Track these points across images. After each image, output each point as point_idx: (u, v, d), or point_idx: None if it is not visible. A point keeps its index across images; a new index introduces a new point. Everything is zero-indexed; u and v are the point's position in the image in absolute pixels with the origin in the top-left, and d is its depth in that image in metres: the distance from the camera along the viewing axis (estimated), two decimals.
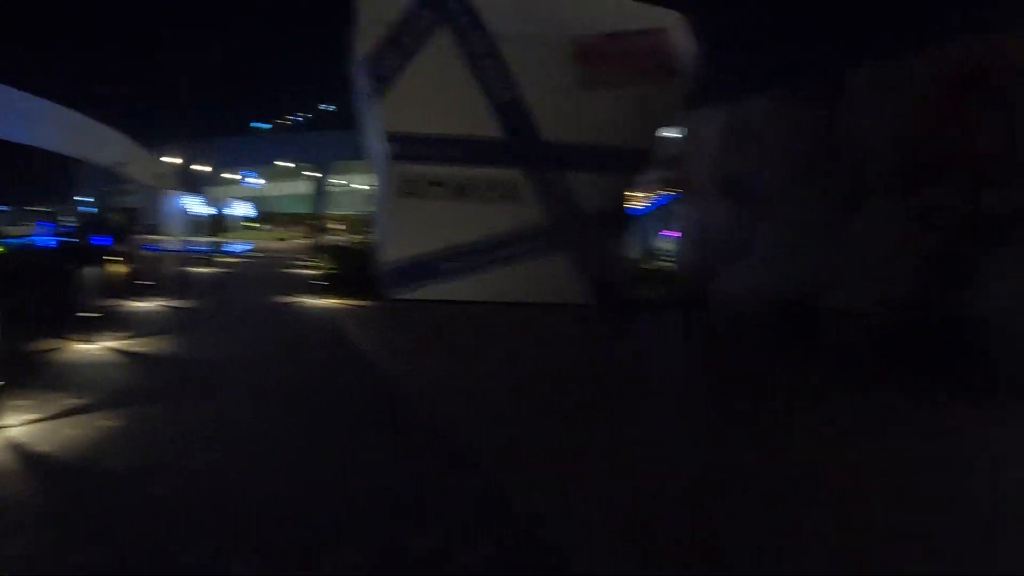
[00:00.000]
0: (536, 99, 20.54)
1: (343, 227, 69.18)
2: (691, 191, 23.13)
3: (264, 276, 27.31)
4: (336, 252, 29.95)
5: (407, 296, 20.14)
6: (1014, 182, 12.43)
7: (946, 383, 11.78)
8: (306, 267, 30.60)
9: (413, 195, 20.41)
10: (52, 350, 11.49)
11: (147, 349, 12.02)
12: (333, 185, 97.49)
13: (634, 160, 22.05)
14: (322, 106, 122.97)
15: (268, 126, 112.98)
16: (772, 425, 9.51)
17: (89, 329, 12.42)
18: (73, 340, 12.18)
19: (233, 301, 19.52)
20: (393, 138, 20.12)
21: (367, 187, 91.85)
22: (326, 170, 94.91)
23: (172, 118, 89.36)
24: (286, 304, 18.75)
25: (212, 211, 72.26)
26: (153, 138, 70.48)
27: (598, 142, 20.97)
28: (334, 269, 24.19)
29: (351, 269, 23.91)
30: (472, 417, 8.85)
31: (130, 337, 12.89)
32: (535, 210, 21.10)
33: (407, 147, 20.20)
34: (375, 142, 22.32)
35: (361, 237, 43.45)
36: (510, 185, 20.89)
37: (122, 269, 25.45)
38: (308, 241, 51.56)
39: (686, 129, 23.84)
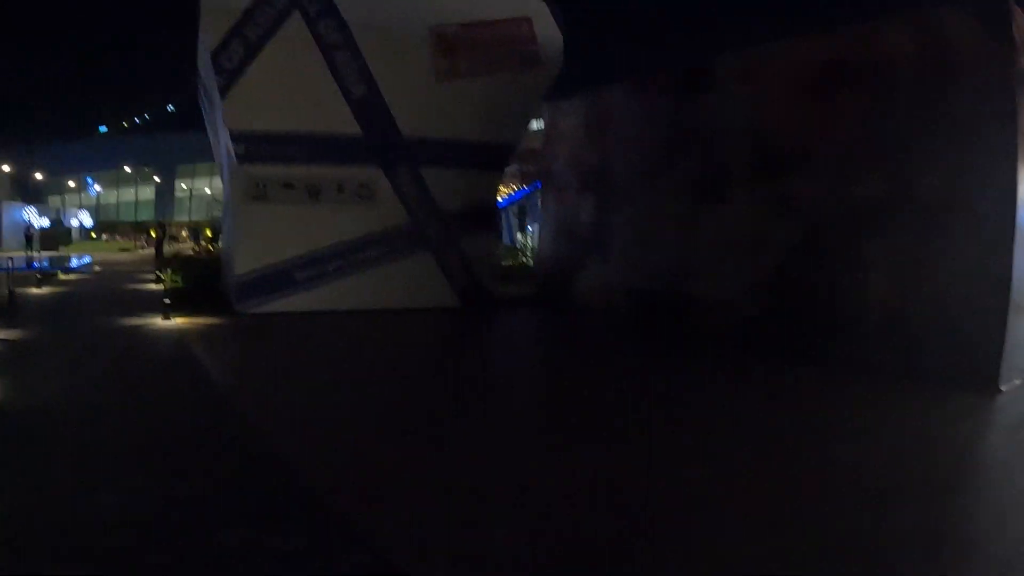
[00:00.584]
0: (393, 92, 19.32)
1: (189, 235, 66.24)
2: (550, 184, 22.33)
3: (105, 294, 24.92)
4: (183, 264, 28.02)
5: (262, 310, 18.62)
6: (875, 172, 12.70)
7: (802, 364, 12.66)
8: (151, 281, 28.55)
9: (262, 199, 18.85)
10: None
11: None
12: (178, 190, 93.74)
13: (497, 155, 21.14)
14: (168, 107, 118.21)
15: (104, 128, 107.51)
16: (635, 416, 9.75)
17: None
18: None
19: (68, 328, 17.37)
20: (239, 137, 18.55)
21: (212, 191, 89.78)
22: (171, 174, 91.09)
23: (4, 122, 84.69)
24: (128, 328, 16.82)
25: (46, 222, 68.73)
26: None
27: (459, 137, 20.01)
28: (181, 283, 22.40)
29: (200, 283, 22.24)
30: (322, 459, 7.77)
31: None
32: (395, 210, 19.91)
33: (255, 146, 18.65)
34: (221, 142, 20.78)
35: (209, 246, 41.48)
36: (367, 184, 19.63)
37: None
38: (153, 251, 49.02)
39: (544, 120, 23.00)
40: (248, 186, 18.80)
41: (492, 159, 21.03)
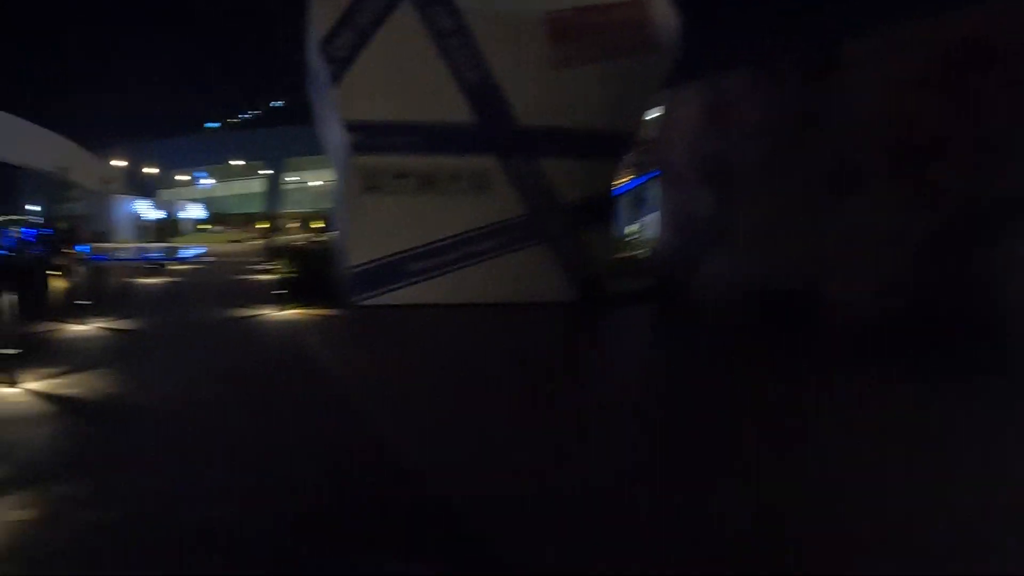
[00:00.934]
0: (508, 80, 18.71)
1: (299, 226, 67.07)
2: (668, 174, 21.39)
3: (218, 284, 25.23)
4: (294, 255, 28.01)
5: (375, 302, 18.29)
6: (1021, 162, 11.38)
7: (955, 373, 10.51)
8: (263, 272, 28.65)
9: (376, 190, 18.49)
10: None
11: (71, 391, 9.93)
12: (287, 183, 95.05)
13: (615, 143, 20.37)
14: (274, 103, 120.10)
15: (217, 124, 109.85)
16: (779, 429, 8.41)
17: (10, 364, 10.30)
18: None
19: (183, 318, 17.46)
20: (352, 127, 18.23)
21: (322, 183, 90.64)
22: (279, 167, 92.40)
23: (118, 119, 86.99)
24: (244, 319, 16.72)
25: (162, 215, 70.15)
26: (98, 141, 68.49)
27: (575, 125, 19.22)
28: (293, 274, 22.27)
29: (311, 274, 22.09)
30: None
31: (49, 377, 10.72)
32: (510, 201, 19.25)
33: (368, 137, 18.31)
34: (333, 133, 20.52)
35: (320, 237, 41.63)
36: (482, 175, 19.06)
37: (60, 284, 23.61)
38: (263, 243, 49.49)
39: (662, 108, 22.14)
40: (361, 177, 18.47)
41: (609, 148, 20.27)
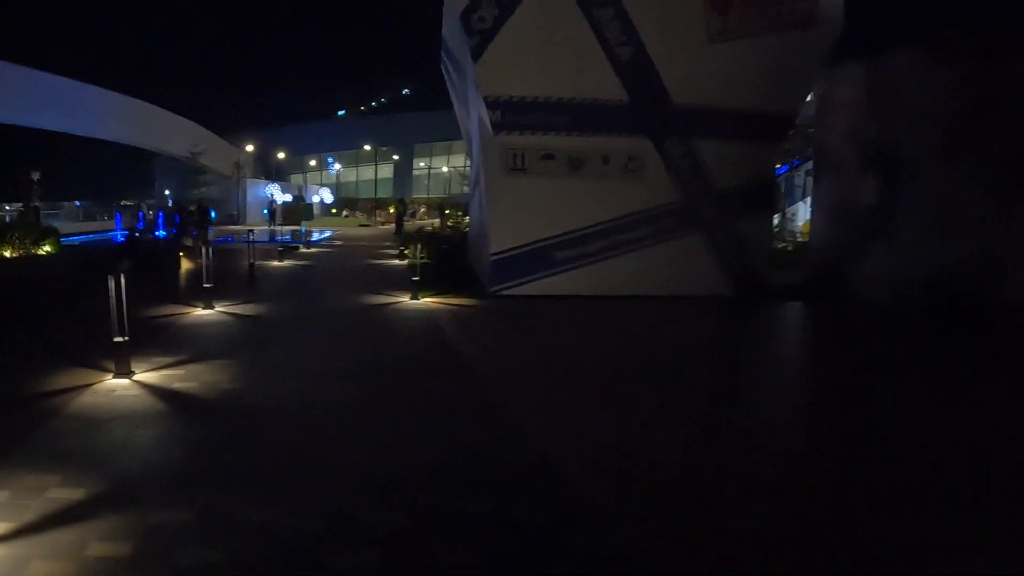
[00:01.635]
0: (662, 54, 16.94)
1: (427, 211, 66.27)
2: (824, 160, 19.39)
3: (347, 269, 24.23)
4: (427, 241, 26.89)
5: (516, 292, 16.92)
6: None
7: None
8: (393, 257, 27.67)
9: (520, 172, 17.02)
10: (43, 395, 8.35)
11: (185, 385, 8.82)
12: (416, 168, 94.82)
13: (774, 125, 18.40)
14: (403, 91, 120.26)
15: (342, 112, 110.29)
16: None
17: (118, 353, 9.21)
18: (88, 373, 9.21)
19: (312, 304, 16.48)
20: (495, 104, 16.79)
21: (449, 169, 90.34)
22: (408, 153, 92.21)
23: (250, 106, 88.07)
24: (375, 307, 15.58)
25: (290, 198, 70.51)
26: (230, 126, 69.39)
27: (734, 105, 17.35)
28: (425, 260, 21.07)
29: (446, 261, 20.88)
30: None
31: (164, 367, 9.70)
32: (664, 186, 17.51)
33: (511, 114, 16.85)
34: (472, 112, 19.23)
35: (450, 222, 40.51)
36: (635, 157, 17.38)
37: (187, 266, 23.00)
38: (392, 227, 48.78)
39: (818, 89, 20.07)
40: (504, 158, 17.03)
41: (769, 130, 18.27)
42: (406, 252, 26.48)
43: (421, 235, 30.03)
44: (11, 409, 7.83)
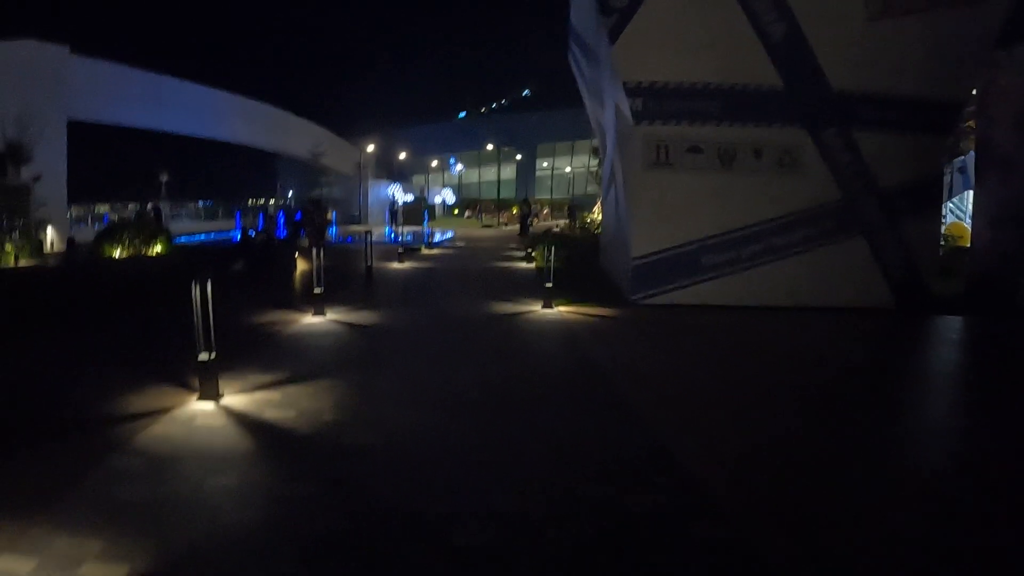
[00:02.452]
0: (819, 34, 15.03)
1: (550, 212, 64.67)
2: (989, 155, 16.86)
3: (471, 272, 22.82)
4: (556, 243, 25.32)
5: (659, 301, 15.23)
6: None
7: None
8: (519, 259, 26.18)
9: (664, 166, 15.29)
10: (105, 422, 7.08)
11: (277, 414, 7.41)
12: (539, 169, 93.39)
13: (942, 115, 16.08)
14: (524, 93, 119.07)
15: (463, 115, 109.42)
16: None
17: (204, 373, 7.81)
18: (171, 393, 7.99)
19: (432, 312, 15.06)
20: (635, 90, 15.14)
21: (572, 169, 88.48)
22: (531, 153, 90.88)
23: (371, 107, 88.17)
24: (503, 317, 14.02)
25: (412, 198, 69.91)
26: (351, 127, 69.10)
27: (897, 91, 15.29)
28: (555, 264, 19.48)
29: (578, 266, 19.25)
30: None
31: (257, 388, 8.36)
32: (823, 183, 15.52)
33: (653, 101, 15.19)
34: (607, 103, 17.71)
35: (580, 224, 38.72)
36: (790, 150, 15.45)
37: (302, 267, 21.89)
38: (516, 228, 47.37)
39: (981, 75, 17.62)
40: (646, 151, 15.32)
41: (935, 120, 15.95)
42: (533, 254, 24.96)
43: (551, 237, 28.43)
44: (72, 436, 6.68)
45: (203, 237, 41.79)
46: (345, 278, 19.64)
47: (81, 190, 53.15)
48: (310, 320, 13.15)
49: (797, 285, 15.23)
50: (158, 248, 22.42)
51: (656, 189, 15.26)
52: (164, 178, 64.28)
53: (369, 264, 20.17)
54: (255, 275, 17.55)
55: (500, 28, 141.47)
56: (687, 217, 15.20)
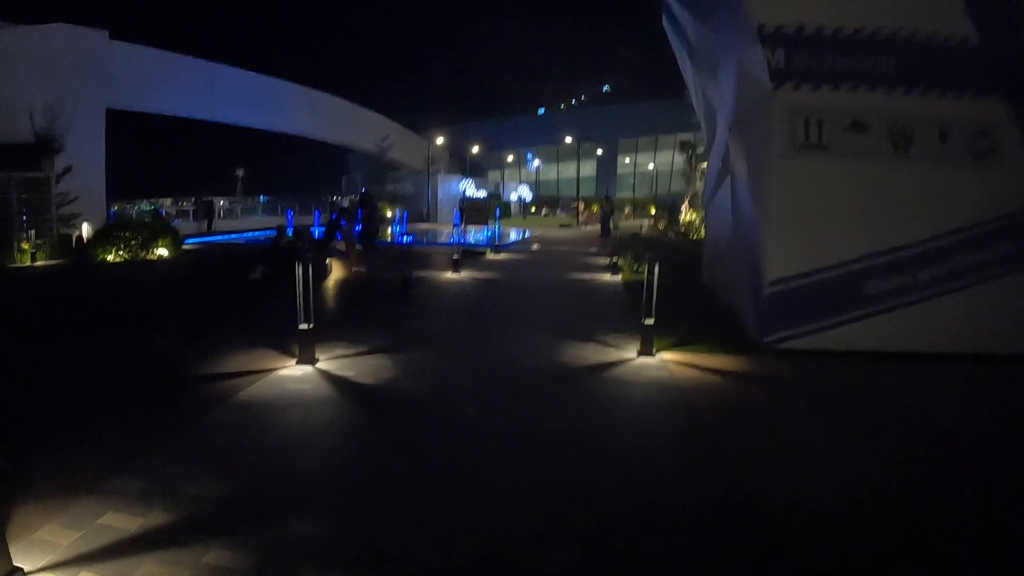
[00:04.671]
0: None
1: (631, 211, 59.66)
2: None
3: (542, 289, 18.14)
4: (648, 252, 20.93)
5: (803, 344, 10.67)
6: None
7: None
8: (602, 269, 21.66)
9: (816, 150, 10.74)
10: None
11: None
12: (620, 165, 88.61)
13: None
14: (604, 88, 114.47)
15: (541, 110, 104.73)
16: None
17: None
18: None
19: (479, 359, 10.38)
20: (776, 38, 10.72)
21: (655, 165, 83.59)
22: (612, 149, 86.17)
23: (444, 100, 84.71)
24: (583, 373, 9.42)
25: (484, 194, 65.94)
26: (422, 120, 65.56)
27: None
28: (644, 276, 15.13)
29: (678, 282, 14.85)
30: None
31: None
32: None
33: (803, 55, 10.76)
34: (723, 67, 13.33)
35: (673, 226, 33.76)
36: (987, 131, 10.83)
37: (337, 275, 18.09)
38: (596, 228, 42.97)
39: None
40: (790, 127, 10.77)
41: None
42: (619, 263, 20.49)
43: (638, 242, 23.85)
44: None
45: (245, 236, 38.77)
46: (376, 294, 15.80)
47: (136, 183, 51.29)
48: (287, 373, 8.96)
49: (996, 324, 10.63)
50: (162, 251, 18.94)
51: (803, 183, 10.68)
52: (240, 173, 61.95)
53: (408, 274, 16.02)
54: (271, 286, 13.53)
55: (580, 18, 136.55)
56: (847, 224, 10.65)
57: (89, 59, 30.76)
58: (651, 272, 10.13)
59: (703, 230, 22.65)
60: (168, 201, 54.06)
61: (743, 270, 12.17)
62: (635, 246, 21.76)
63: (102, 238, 18.68)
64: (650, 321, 10.05)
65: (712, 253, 16.23)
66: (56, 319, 12.86)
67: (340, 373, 8.99)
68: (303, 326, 9.30)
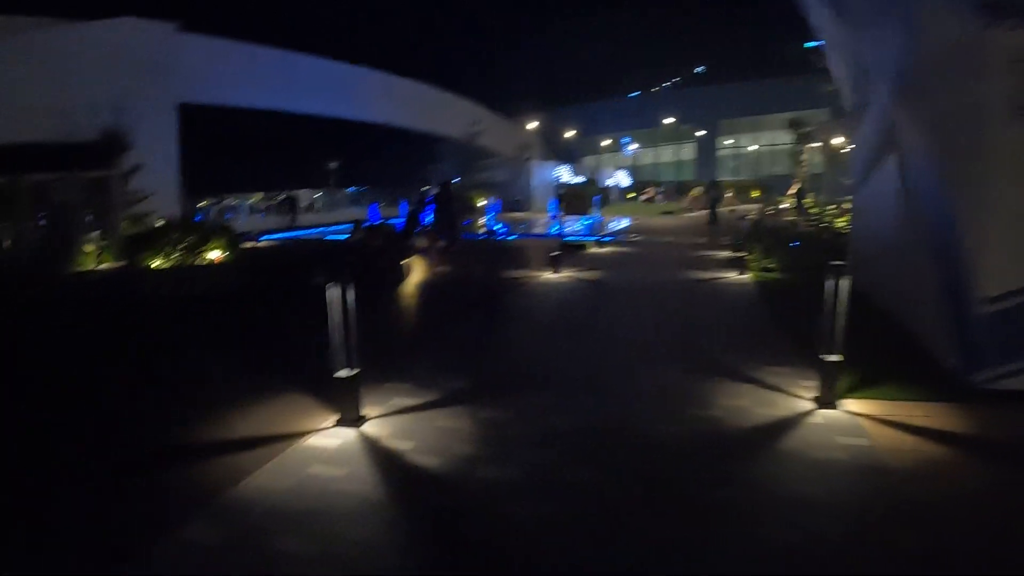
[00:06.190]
0: None
1: (733, 195, 55.92)
2: None
3: (663, 288, 15.38)
4: (781, 242, 18.04)
5: None
6: None
7: None
8: (723, 265, 18.80)
9: None
10: None
11: None
12: (719, 147, 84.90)
13: None
14: (696, 69, 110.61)
15: (635, 94, 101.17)
16: None
17: None
18: None
19: (615, 394, 7.91)
20: None
21: (759, 147, 79.88)
22: (711, 131, 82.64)
23: (535, 85, 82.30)
24: (756, 431, 6.72)
25: (582, 181, 63.22)
26: (513, 106, 63.15)
27: None
28: (775, 275, 12.42)
29: (814, 283, 12.09)
30: None
31: None
32: None
33: None
34: (893, 8, 10.27)
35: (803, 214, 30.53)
36: None
37: (416, 278, 15.83)
38: (699, 215, 40.05)
39: None
40: (1012, 81, 7.78)
41: None
42: (746, 257, 17.54)
43: (763, 232, 20.81)
44: None
45: (328, 230, 38.59)
46: (456, 305, 13.57)
47: (219, 179, 50.61)
48: (317, 442, 6.46)
49: None
50: (214, 254, 16.98)
51: None
52: (333, 165, 60.78)
53: (496, 278, 13.49)
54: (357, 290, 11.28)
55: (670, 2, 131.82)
56: None
57: (157, 53, 29.79)
58: (835, 288, 7.20)
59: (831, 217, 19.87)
60: (259, 196, 53.32)
61: (928, 280, 9.17)
62: (760, 237, 18.85)
63: (148, 242, 16.82)
64: (835, 358, 7.20)
65: (865, 251, 13.28)
66: (47, 345, 11.02)
67: (393, 445, 6.38)
68: (342, 373, 6.80)
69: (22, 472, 6.03)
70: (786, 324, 10.82)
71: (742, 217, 27.78)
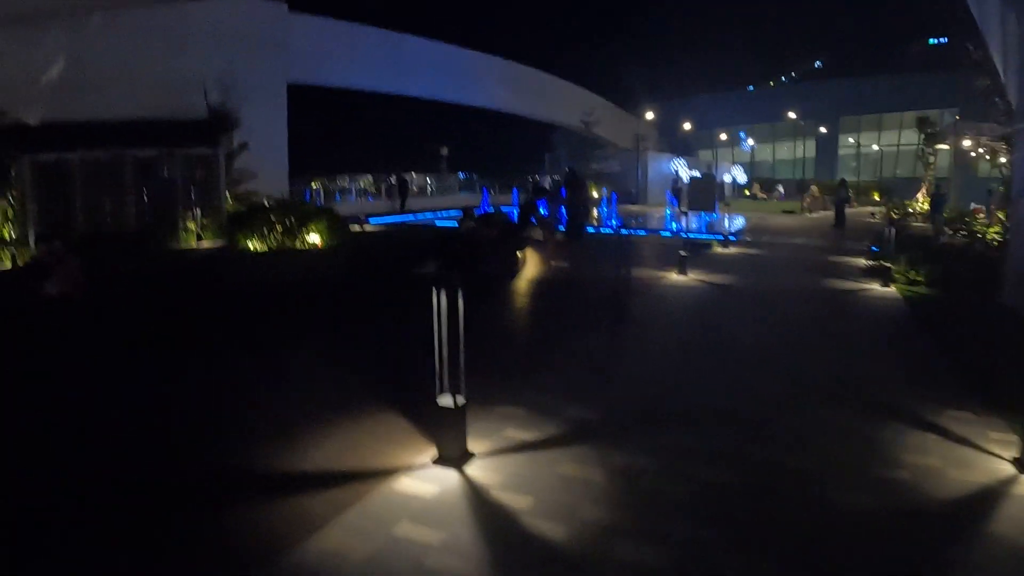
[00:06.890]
0: None
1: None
2: None
3: (801, 298, 13.76)
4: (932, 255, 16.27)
5: None
6: None
7: None
8: (859, 274, 16.99)
9: None
10: None
11: None
12: (842, 145, 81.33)
13: None
14: (815, 64, 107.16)
15: (751, 88, 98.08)
16: None
17: None
18: None
19: (766, 438, 6.40)
20: None
21: (880, 147, 76.07)
22: (833, 127, 79.26)
23: (651, 75, 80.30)
24: (949, 505, 5.15)
25: (698, 176, 61.46)
26: (628, 96, 61.60)
27: None
28: (922, 290, 10.91)
29: (965, 301, 10.59)
30: None
31: None
32: None
33: None
34: None
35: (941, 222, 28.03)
36: None
37: (533, 272, 14.64)
38: (821, 215, 38.07)
39: None
40: None
41: None
42: (892, 267, 15.64)
43: (907, 241, 18.73)
44: None
45: (438, 215, 38.23)
46: (577, 307, 12.25)
47: (329, 160, 50.42)
48: (410, 487, 5.25)
49: None
50: (313, 237, 15.99)
51: None
52: (444, 151, 60.31)
53: (623, 279, 12.04)
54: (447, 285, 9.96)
55: None
56: None
57: (267, 32, 29.84)
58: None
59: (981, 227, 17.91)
60: (369, 178, 53.01)
61: None
62: (906, 246, 17.00)
63: (243, 222, 15.92)
64: None
65: (1017, 259, 11.57)
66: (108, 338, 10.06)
67: (505, 500, 5.05)
68: (445, 401, 5.50)
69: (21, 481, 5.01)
70: (953, 352, 9.14)
71: (871, 218, 25.63)
